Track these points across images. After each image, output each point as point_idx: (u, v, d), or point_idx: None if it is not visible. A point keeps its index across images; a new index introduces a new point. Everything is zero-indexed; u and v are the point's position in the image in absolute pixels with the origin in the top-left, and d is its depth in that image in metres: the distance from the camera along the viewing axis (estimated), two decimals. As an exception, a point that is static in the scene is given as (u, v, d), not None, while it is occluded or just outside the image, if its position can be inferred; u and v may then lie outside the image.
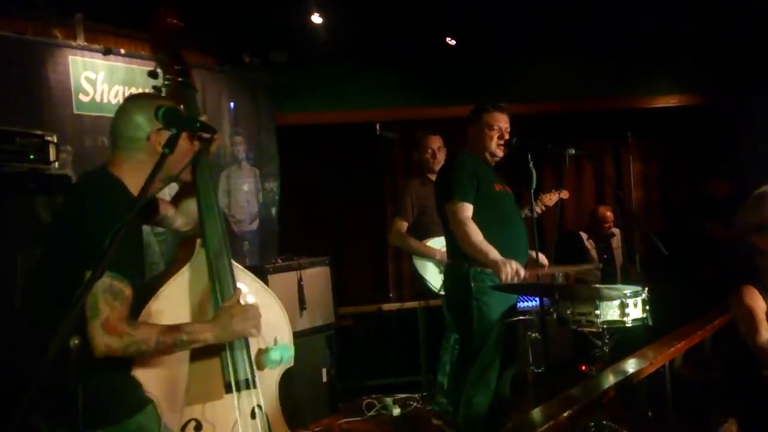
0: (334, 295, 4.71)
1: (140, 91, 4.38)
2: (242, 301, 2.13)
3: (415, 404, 4.75)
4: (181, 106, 2.16)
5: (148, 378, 1.95)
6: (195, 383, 2.04)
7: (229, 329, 2.01)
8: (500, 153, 3.48)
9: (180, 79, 2.26)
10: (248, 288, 2.24)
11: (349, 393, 4.88)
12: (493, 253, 3.16)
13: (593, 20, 5.52)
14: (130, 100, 2.16)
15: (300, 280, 4.38)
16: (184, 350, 1.98)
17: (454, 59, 6.05)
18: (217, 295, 2.08)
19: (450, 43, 5.66)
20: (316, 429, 4.35)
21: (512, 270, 3.06)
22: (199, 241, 2.14)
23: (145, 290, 2.01)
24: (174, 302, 2.05)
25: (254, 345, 2.16)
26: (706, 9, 5.13)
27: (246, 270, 2.27)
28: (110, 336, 1.77)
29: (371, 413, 4.64)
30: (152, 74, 2.31)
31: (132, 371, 1.92)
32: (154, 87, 2.27)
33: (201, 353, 2.03)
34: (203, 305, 2.09)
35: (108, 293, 1.77)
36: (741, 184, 6.38)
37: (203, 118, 2.26)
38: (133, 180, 1.97)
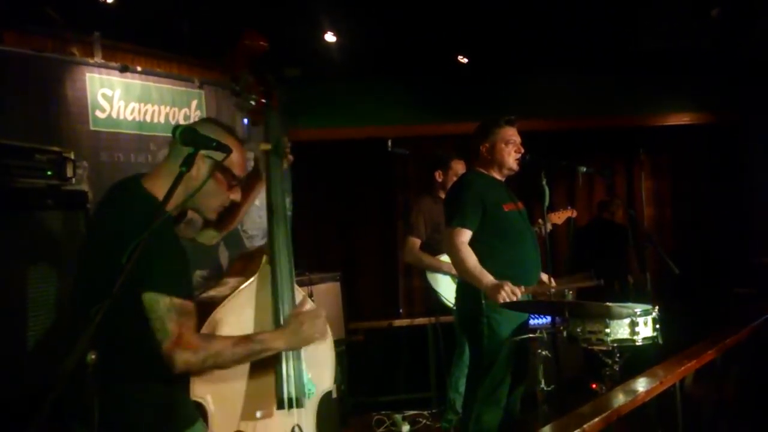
0: (345, 311, 4.72)
1: (156, 107, 4.49)
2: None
3: (424, 421, 4.74)
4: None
5: (207, 393, 1.99)
6: (249, 398, 2.07)
7: (299, 335, 2.03)
8: (516, 167, 3.45)
9: (264, 101, 2.28)
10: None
11: (359, 409, 4.88)
12: (487, 278, 3.17)
13: (605, 38, 5.55)
14: (210, 120, 2.18)
15: (311, 295, 4.39)
16: (256, 359, 1.98)
17: (466, 76, 6.08)
18: (280, 309, 2.11)
19: (462, 60, 5.70)
20: (326, 445, 4.35)
21: (508, 292, 3.08)
22: (265, 257, 2.18)
23: (201, 303, 2.02)
24: (237, 315, 2.09)
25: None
26: (717, 27, 5.14)
27: (305, 294, 2.31)
28: (186, 351, 1.78)
29: (381, 429, 4.64)
30: (234, 92, 2.30)
31: (192, 386, 1.95)
32: (237, 106, 2.29)
33: (258, 369, 2.06)
34: (264, 319, 2.12)
35: (172, 312, 1.77)
36: (753, 200, 6.39)
37: (285, 139, 2.31)
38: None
